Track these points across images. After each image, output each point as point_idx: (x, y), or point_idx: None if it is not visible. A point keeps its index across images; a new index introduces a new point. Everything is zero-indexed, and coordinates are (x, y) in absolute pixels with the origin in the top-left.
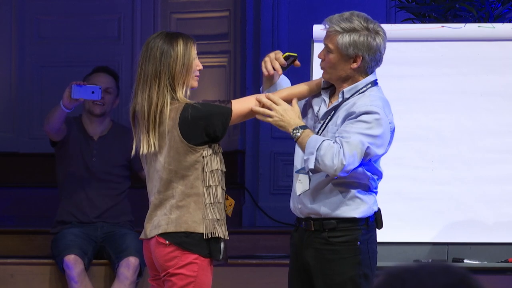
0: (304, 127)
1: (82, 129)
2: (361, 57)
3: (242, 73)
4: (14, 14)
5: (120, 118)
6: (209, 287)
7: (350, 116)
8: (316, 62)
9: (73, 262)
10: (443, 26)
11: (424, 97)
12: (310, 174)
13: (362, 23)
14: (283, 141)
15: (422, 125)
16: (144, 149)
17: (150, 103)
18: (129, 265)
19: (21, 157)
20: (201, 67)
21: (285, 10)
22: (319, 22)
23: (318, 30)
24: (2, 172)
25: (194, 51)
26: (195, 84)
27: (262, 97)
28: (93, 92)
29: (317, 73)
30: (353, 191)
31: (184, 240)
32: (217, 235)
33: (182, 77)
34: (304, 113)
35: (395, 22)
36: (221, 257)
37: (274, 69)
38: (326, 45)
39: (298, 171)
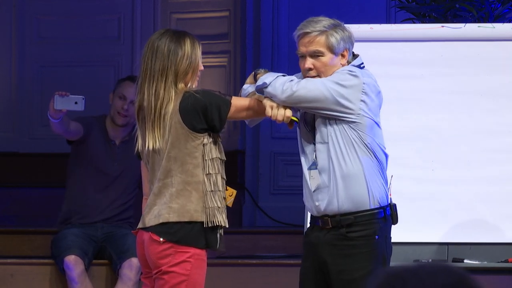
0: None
1: (104, 131)
2: (347, 50)
3: (242, 73)
4: (14, 14)
5: None
6: (201, 286)
7: None
8: None
9: (74, 263)
10: (443, 26)
11: (424, 97)
12: (319, 168)
13: (330, 20)
14: (283, 141)
15: (422, 125)
16: (150, 145)
17: (157, 98)
18: (131, 266)
19: (21, 157)
20: (202, 68)
21: (285, 10)
22: None
23: None
24: (2, 172)
25: (199, 51)
26: (196, 84)
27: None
28: (76, 103)
29: None
30: (365, 182)
31: (181, 235)
32: (216, 223)
33: (186, 76)
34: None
35: (395, 22)
36: (218, 246)
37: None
38: (313, 51)
39: (309, 168)
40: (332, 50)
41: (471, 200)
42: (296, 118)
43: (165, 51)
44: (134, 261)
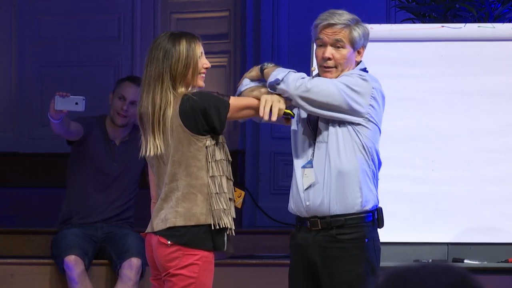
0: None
1: (104, 131)
2: (363, 48)
3: (242, 73)
4: (14, 14)
5: None
6: None
7: None
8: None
9: (74, 263)
10: (443, 26)
11: (424, 97)
12: (314, 167)
13: (351, 14)
14: (283, 141)
15: (422, 125)
16: (151, 152)
17: (154, 105)
18: (131, 266)
19: (21, 157)
20: (208, 65)
21: (285, 10)
22: None
23: None
24: (2, 172)
25: (198, 50)
26: (201, 83)
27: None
28: (76, 104)
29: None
30: (359, 183)
31: (189, 238)
32: (223, 226)
33: (185, 77)
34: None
35: (395, 22)
36: (225, 248)
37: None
38: (336, 41)
39: (304, 166)
40: (353, 44)
41: (471, 200)
42: (291, 112)
43: (160, 55)
44: (134, 261)
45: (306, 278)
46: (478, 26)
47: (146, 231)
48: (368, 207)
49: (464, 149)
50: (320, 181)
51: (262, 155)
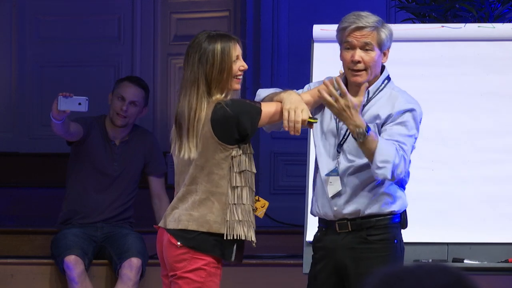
0: (369, 128)
1: (104, 131)
2: (388, 50)
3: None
4: (14, 14)
5: (143, 120)
6: None
7: (396, 119)
8: (317, 63)
9: (74, 263)
10: (443, 26)
11: (424, 97)
12: (340, 174)
13: (376, 16)
14: (283, 141)
15: (422, 125)
16: (185, 154)
17: (189, 108)
18: (131, 266)
19: (21, 157)
20: (245, 67)
21: (285, 10)
22: (319, 22)
23: (318, 30)
24: (2, 172)
25: (234, 53)
26: (237, 86)
27: (329, 84)
28: (80, 104)
29: (317, 74)
30: (389, 186)
31: (198, 242)
32: (235, 237)
33: (220, 82)
34: (321, 113)
35: (395, 22)
36: (232, 259)
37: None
38: (365, 44)
39: (329, 174)
40: (380, 46)
41: (471, 200)
42: (315, 118)
43: (195, 60)
44: (134, 261)
45: (332, 281)
46: (478, 26)
47: (159, 225)
48: (399, 206)
49: (464, 149)
50: (349, 188)
51: (262, 155)
